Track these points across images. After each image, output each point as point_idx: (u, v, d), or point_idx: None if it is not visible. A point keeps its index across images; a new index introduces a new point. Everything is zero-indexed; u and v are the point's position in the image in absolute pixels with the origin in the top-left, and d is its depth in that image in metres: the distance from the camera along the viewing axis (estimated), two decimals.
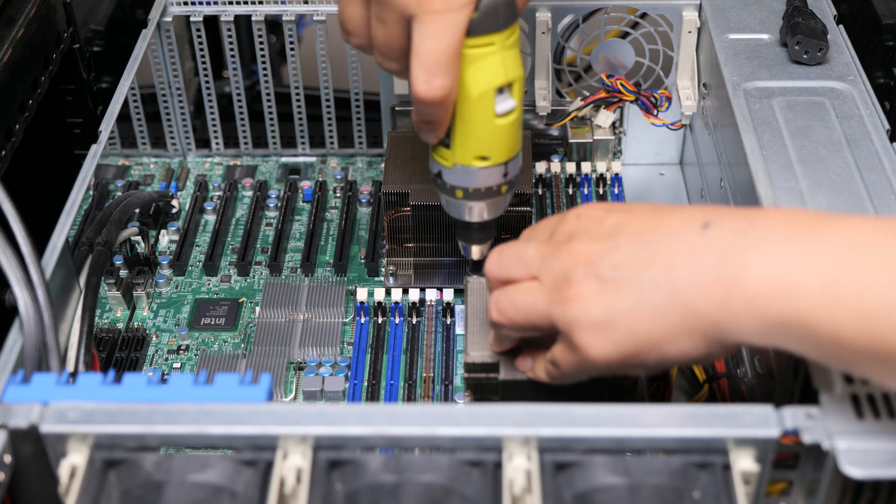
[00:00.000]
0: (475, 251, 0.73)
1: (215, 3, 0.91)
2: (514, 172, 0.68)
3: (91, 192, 0.92)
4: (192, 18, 0.91)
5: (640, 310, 0.54)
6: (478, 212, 0.69)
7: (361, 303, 0.81)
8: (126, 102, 0.94)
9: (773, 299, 0.49)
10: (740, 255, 0.51)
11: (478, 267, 0.74)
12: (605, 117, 0.90)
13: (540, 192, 0.90)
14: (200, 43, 0.92)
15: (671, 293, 0.53)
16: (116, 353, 0.78)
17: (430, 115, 0.62)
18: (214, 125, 0.97)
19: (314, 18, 0.91)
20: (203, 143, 0.99)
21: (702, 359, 0.55)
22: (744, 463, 0.52)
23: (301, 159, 0.98)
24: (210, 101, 0.96)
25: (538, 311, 0.58)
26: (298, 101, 0.95)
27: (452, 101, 0.62)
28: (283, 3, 0.91)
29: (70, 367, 0.63)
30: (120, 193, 0.93)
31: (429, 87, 0.60)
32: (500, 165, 0.66)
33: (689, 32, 0.85)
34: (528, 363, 0.64)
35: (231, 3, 0.91)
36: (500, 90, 0.63)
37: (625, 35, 0.88)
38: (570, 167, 0.92)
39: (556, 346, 0.59)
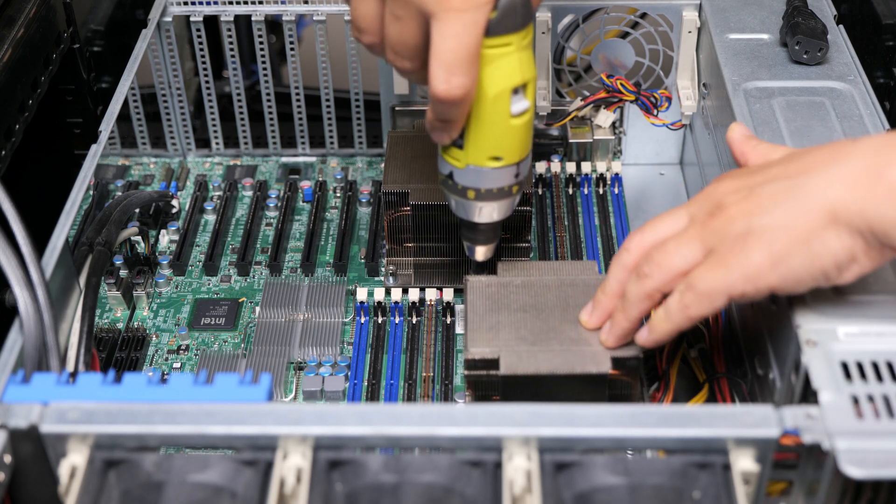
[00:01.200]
0: (480, 252, 0.73)
1: (215, 3, 0.91)
2: (525, 173, 0.68)
3: (91, 192, 0.92)
4: (192, 18, 0.91)
5: (790, 211, 0.56)
6: (488, 212, 0.69)
7: (361, 303, 0.81)
8: (126, 102, 0.93)
9: None
10: (890, 153, 0.54)
11: (480, 268, 0.74)
12: (605, 117, 0.90)
13: (540, 192, 0.90)
14: (200, 43, 0.92)
15: (821, 190, 0.55)
16: (116, 353, 0.78)
17: (447, 114, 0.62)
18: (214, 125, 0.97)
19: (314, 18, 0.91)
20: (203, 143, 0.99)
21: (846, 262, 0.55)
22: (744, 463, 0.52)
23: (301, 159, 0.98)
24: (210, 101, 0.96)
25: (688, 243, 0.59)
26: (298, 101, 0.95)
27: (471, 100, 0.62)
28: (283, 3, 0.91)
29: (70, 367, 0.63)
30: (120, 193, 0.93)
31: (448, 86, 0.59)
32: (513, 166, 0.66)
33: (689, 32, 0.85)
34: (644, 333, 0.64)
35: (231, 3, 0.91)
36: (516, 90, 0.62)
37: (625, 35, 0.88)
38: (570, 167, 0.92)
39: (697, 267, 0.59)
